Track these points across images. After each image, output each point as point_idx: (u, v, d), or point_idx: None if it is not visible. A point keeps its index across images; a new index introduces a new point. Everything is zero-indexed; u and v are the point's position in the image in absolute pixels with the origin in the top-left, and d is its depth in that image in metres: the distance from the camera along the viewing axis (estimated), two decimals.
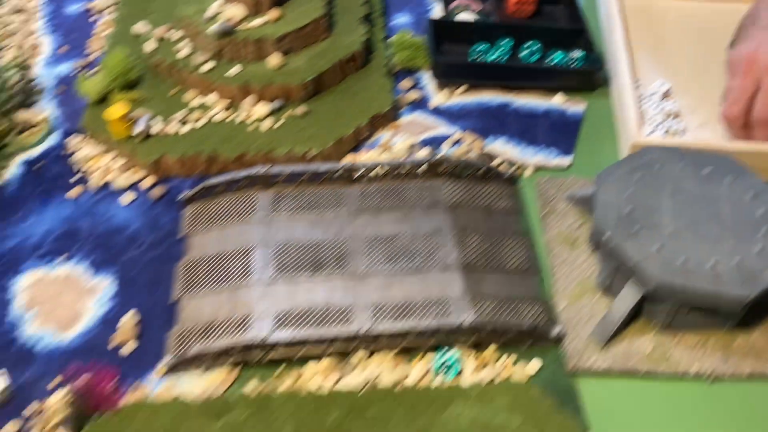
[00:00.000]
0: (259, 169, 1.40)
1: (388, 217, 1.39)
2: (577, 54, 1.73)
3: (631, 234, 1.23)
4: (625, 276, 1.25)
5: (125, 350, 1.24)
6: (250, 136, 1.50)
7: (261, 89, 1.53)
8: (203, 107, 1.55)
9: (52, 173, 1.51)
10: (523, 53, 1.76)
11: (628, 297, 1.23)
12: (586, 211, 1.44)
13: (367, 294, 1.27)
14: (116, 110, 1.45)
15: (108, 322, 1.27)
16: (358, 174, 1.42)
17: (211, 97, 1.56)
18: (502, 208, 1.45)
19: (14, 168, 1.51)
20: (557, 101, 1.68)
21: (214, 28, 1.52)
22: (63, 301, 1.30)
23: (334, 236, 1.35)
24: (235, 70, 1.54)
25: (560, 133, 1.61)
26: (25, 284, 1.33)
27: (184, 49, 1.58)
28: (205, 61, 1.55)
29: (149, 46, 1.60)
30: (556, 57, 1.73)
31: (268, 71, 1.54)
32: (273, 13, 1.56)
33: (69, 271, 1.35)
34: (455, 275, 1.29)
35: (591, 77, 1.70)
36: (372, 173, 1.43)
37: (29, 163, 1.53)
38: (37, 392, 1.19)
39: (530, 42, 1.75)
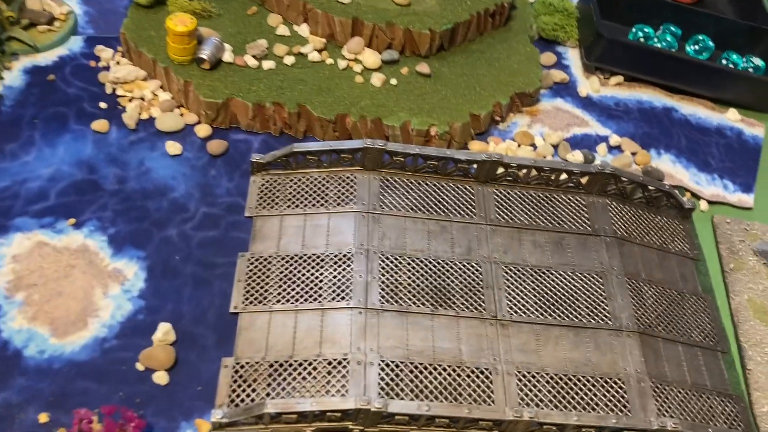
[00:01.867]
0: (370, 143, 0.99)
1: (535, 240, 1.01)
2: (757, 61, 1.35)
3: None
4: None
5: (158, 379, 0.83)
6: (354, 92, 1.09)
7: (376, 30, 1.12)
8: (293, 39, 1.13)
9: (69, 92, 1.08)
10: (691, 48, 1.38)
11: None
12: None
13: (513, 353, 0.89)
14: (181, 22, 1.02)
15: (134, 330, 0.87)
16: (503, 171, 1.03)
17: (304, 28, 1.14)
18: (678, 250, 1.08)
19: (16, 74, 1.08)
20: (732, 117, 1.31)
21: None
22: (67, 287, 0.89)
23: (463, 255, 0.97)
24: None
25: (738, 159, 1.25)
26: (13, 251, 0.91)
27: None
28: None
29: None
30: (733, 60, 1.35)
31: (390, 8, 1.13)
32: None
33: (81, 241, 0.93)
34: (632, 343, 0.92)
35: None
36: (519, 173, 1.04)
37: (39, 72, 1.09)
38: (15, 425, 0.78)
39: (702, 36, 1.37)
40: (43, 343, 0.84)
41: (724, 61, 1.36)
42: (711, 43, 1.37)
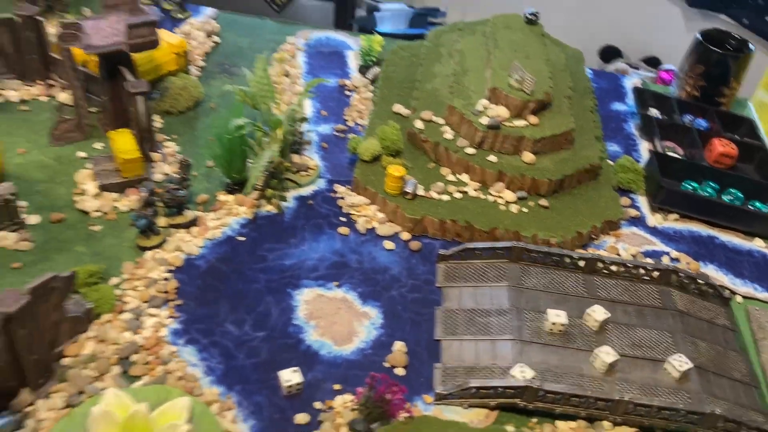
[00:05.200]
0: (516, 244, 1.58)
1: (625, 309, 1.55)
2: None
3: None
4: None
5: (398, 371, 1.38)
6: (499, 215, 1.70)
7: (512, 178, 1.75)
8: (458, 183, 1.77)
9: (322, 211, 1.72)
10: (726, 197, 1.95)
11: None
12: None
13: (615, 372, 1.40)
14: (397, 170, 1.68)
15: (380, 345, 1.43)
16: (601, 266, 1.60)
17: (465, 177, 1.78)
18: (721, 324, 1.59)
19: (290, 201, 1.73)
20: (759, 244, 1.85)
21: (485, 120, 1.77)
22: (338, 319, 1.47)
23: (578, 316, 1.51)
24: (492, 158, 1.77)
25: (764, 272, 1.77)
26: (304, 298, 1.50)
27: (447, 133, 1.82)
28: (467, 146, 1.79)
29: (418, 124, 1.84)
30: (757, 206, 1.92)
31: (521, 165, 1.77)
32: (532, 119, 1.81)
33: (342, 295, 1.52)
34: (691, 371, 1.42)
35: None
36: (612, 268, 1.60)
37: (302, 199, 1.75)
38: (321, 392, 1.33)
39: (734, 190, 1.95)
40: (329, 348, 1.41)
41: (750, 207, 1.93)
42: (741, 195, 1.95)
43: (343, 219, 1.71)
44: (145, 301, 1.42)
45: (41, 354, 1.23)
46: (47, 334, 1.25)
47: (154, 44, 1.68)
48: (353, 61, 2.27)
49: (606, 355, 1.39)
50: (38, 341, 1.22)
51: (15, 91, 1.88)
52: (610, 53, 4.03)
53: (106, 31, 1.67)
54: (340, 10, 3.75)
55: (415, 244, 1.66)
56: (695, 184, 1.95)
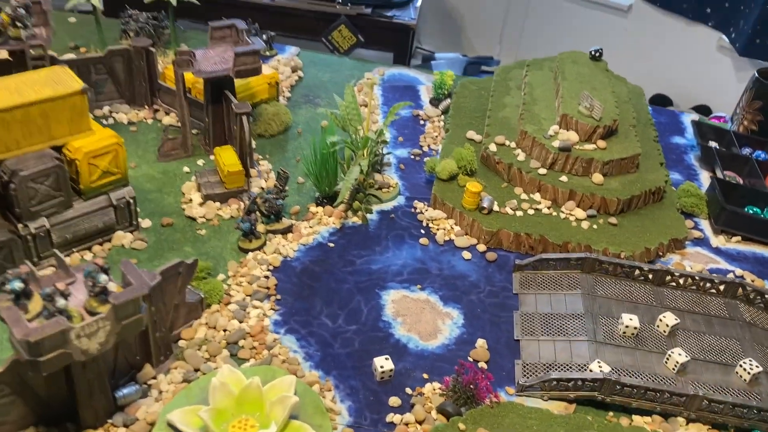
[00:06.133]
0: (589, 255, 1.69)
1: (693, 318, 1.63)
2: None
3: None
4: None
5: (481, 365, 1.48)
6: (571, 231, 1.81)
7: (582, 197, 1.86)
8: (530, 201, 1.89)
9: (403, 224, 1.85)
10: None
11: None
12: None
13: (687, 373, 1.48)
14: (475, 186, 1.81)
15: (463, 342, 1.54)
16: (670, 278, 1.68)
17: (537, 196, 1.90)
18: None
19: (374, 214, 1.87)
20: None
21: (557, 144, 1.89)
22: (423, 317, 1.58)
23: (649, 321, 1.59)
24: (563, 178, 1.89)
25: None
26: (391, 298, 1.62)
27: (519, 156, 1.95)
28: (538, 168, 1.91)
29: (491, 147, 1.98)
30: None
31: (591, 185, 1.88)
32: (601, 143, 1.93)
33: (425, 297, 1.64)
34: (761, 375, 1.49)
35: None
36: (680, 280, 1.69)
37: (384, 213, 1.88)
38: (411, 379, 1.44)
39: None
40: (416, 342, 1.52)
41: None
42: None
43: (422, 231, 1.84)
44: (249, 295, 1.56)
45: (163, 333, 1.37)
46: (169, 316, 1.39)
47: (257, 71, 1.87)
48: (425, 95, 2.43)
49: (678, 355, 1.47)
50: (162, 320, 1.36)
51: (125, 114, 2.08)
52: (660, 102, 4.15)
53: (214, 59, 1.87)
54: (398, 59, 3.94)
55: (491, 255, 1.77)
56: (757, 210, 2.03)
